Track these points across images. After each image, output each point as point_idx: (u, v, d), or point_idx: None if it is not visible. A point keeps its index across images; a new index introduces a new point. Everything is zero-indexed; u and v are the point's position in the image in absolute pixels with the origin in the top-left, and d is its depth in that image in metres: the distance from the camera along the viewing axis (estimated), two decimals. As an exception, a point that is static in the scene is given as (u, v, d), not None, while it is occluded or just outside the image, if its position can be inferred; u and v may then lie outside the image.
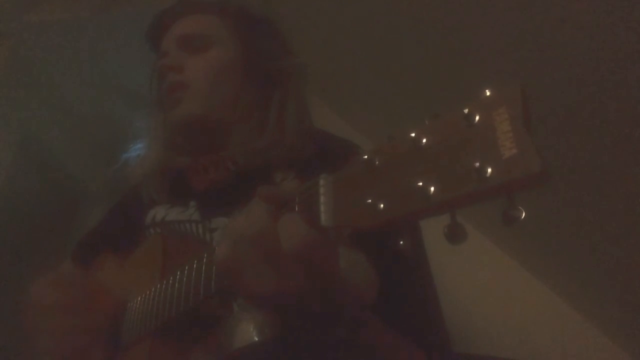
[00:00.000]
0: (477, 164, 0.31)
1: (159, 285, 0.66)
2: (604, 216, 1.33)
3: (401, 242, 0.38)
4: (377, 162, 0.38)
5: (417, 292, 0.72)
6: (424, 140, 0.36)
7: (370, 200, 0.37)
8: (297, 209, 0.44)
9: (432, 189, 0.33)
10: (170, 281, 0.63)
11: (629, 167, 1.21)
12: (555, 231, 1.48)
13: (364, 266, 0.52)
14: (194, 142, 0.94)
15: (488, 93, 0.34)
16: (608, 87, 1.14)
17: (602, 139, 1.23)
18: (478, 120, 0.33)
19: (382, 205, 0.36)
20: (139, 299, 0.70)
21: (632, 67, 1.08)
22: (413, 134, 0.36)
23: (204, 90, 0.89)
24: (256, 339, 0.62)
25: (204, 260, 0.56)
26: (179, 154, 0.94)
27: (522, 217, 0.31)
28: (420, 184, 0.34)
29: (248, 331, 0.63)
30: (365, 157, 0.39)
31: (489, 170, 0.31)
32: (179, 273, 0.61)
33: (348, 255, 0.48)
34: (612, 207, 1.31)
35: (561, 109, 1.25)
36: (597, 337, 1.48)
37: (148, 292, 0.68)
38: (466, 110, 0.34)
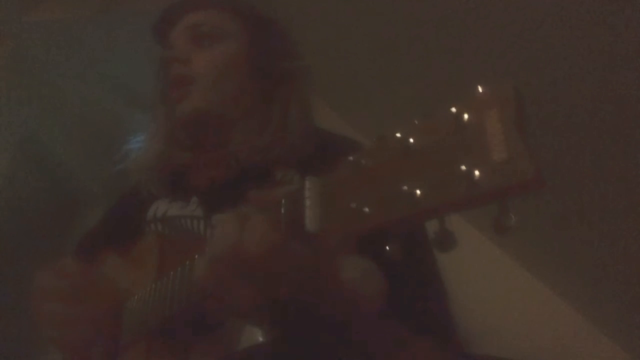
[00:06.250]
0: (466, 168, 0.29)
1: (154, 285, 0.66)
2: (604, 216, 1.33)
3: (387, 248, 0.35)
4: (363, 164, 0.36)
5: (423, 292, 0.71)
6: (412, 141, 0.33)
7: (355, 205, 0.35)
8: (282, 212, 0.43)
9: (418, 193, 0.31)
10: (164, 281, 0.62)
11: (629, 167, 1.21)
12: (555, 231, 1.48)
13: (373, 274, 0.51)
14: (196, 138, 0.93)
15: (480, 90, 0.32)
16: (608, 86, 1.14)
17: (602, 139, 1.23)
18: (468, 121, 0.31)
19: (367, 210, 0.34)
20: (135, 298, 0.70)
21: (632, 66, 1.07)
22: (400, 135, 0.34)
23: (209, 85, 0.88)
24: (261, 339, 0.61)
25: (187, 269, 0.56)
26: (180, 149, 0.94)
27: (513, 224, 0.29)
28: (406, 187, 0.32)
29: (253, 332, 0.62)
30: (351, 158, 0.37)
31: (478, 174, 0.29)
32: (172, 274, 0.61)
33: (356, 263, 0.47)
34: (612, 207, 1.31)
35: (562, 108, 1.25)
36: (597, 337, 1.48)
37: (144, 292, 0.68)
38: (456, 110, 0.32)
